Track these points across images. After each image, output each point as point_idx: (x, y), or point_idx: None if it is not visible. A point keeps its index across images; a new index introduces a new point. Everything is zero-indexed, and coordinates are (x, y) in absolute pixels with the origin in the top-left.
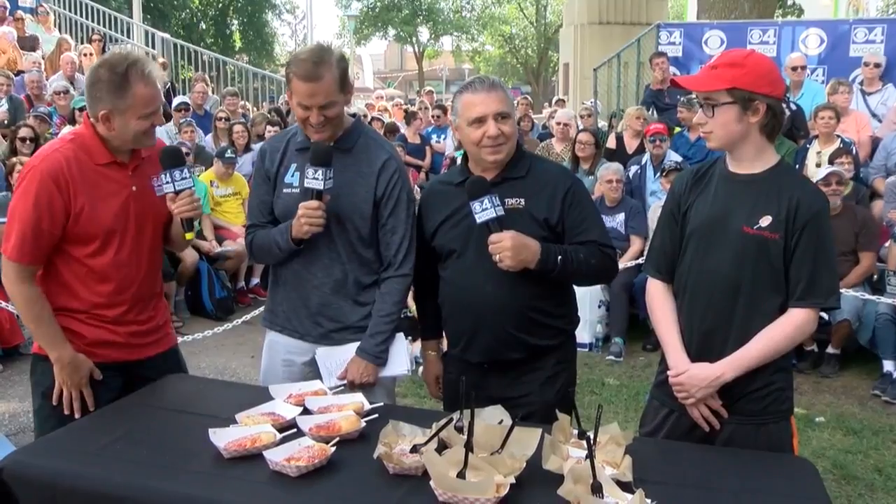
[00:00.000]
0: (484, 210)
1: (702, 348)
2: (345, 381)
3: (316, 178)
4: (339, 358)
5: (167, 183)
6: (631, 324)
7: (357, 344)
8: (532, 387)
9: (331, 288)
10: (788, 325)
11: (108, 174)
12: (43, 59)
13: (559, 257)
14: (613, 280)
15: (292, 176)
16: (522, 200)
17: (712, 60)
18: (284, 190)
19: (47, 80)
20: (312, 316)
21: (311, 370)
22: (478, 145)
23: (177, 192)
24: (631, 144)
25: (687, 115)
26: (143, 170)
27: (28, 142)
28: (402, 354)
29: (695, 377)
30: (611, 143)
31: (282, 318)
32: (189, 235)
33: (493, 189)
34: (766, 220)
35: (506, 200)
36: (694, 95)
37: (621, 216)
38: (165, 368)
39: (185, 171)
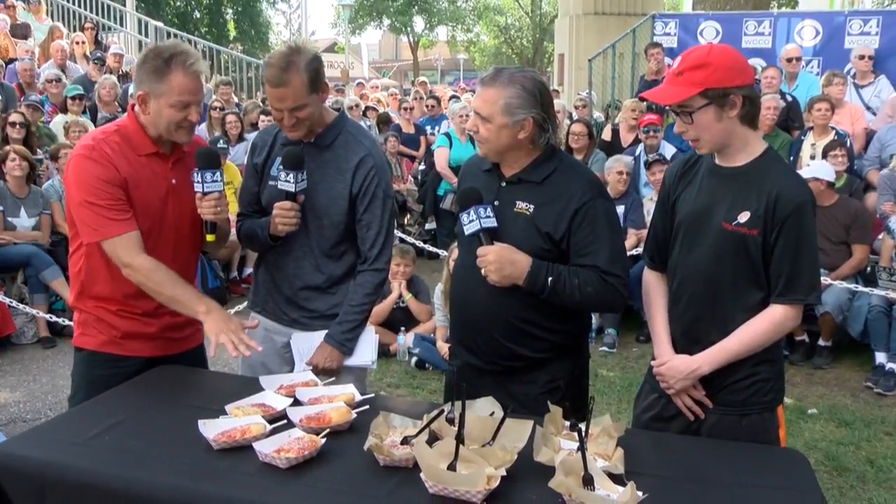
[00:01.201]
0: (471, 222)
1: (686, 339)
2: (311, 367)
3: (288, 181)
4: (311, 344)
5: (197, 182)
6: (624, 315)
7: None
8: (523, 400)
9: (301, 279)
10: (767, 321)
11: (150, 165)
12: (40, 48)
13: (550, 279)
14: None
15: (277, 169)
16: (532, 207)
17: (675, 65)
18: (270, 182)
19: (39, 68)
20: (285, 302)
21: (289, 351)
22: None
23: (204, 194)
24: (626, 138)
25: None
26: (185, 164)
27: (18, 127)
28: (369, 346)
29: (673, 368)
30: (606, 135)
31: (261, 300)
32: (210, 237)
33: (509, 188)
34: (744, 216)
35: (517, 203)
36: None
37: (621, 208)
38: (197, 365)
39: (217, 174)
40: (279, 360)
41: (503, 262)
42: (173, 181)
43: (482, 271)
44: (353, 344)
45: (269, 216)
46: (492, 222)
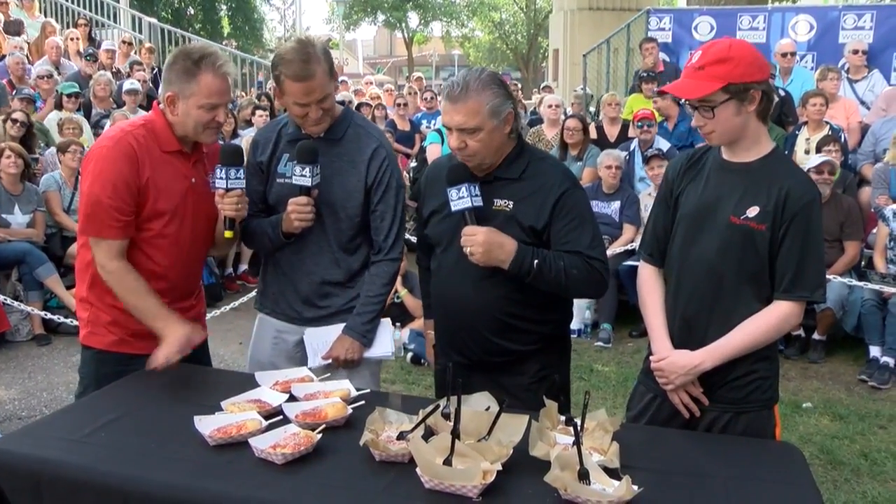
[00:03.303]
0: (461, 198)
1: (684, 334)
2: (328, 361)
3: (304, 175)
4: (325, 338)
5: (220, 179)
6: (619, 310)
7: (341, 325)
8: (514, 392)
9: (321, 274)
10: (772, 317)
11: (173, 162)
12: (27, 44)
13: (535, 262)
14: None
15: (285, 166)
16: (511, 203)
17: (695, 60)
18: (278, 180)
19: (32, 65)
20: (302, 300)
21: (300, 350)
22: (451, 149)
23: (227, 190)
24: (611, 132)
25: (662, 105)
26: (203, 164)
27: (19, 125)
28: (388, 338)
29: (674, 364)
30: (591, 133)
31: (271, 301)
32: (229, 234)
33: (484, 188)
34: (753, 211)
35: (494, 201)
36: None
37: (617, 204)
38: (202, 361)
39: (241, 171)
40: (289, 363)
41: (492, 244)
42: (193, 180)
43: (467, 250)
44: (373, 335)
45: (278, 215)
46: (479, 201)
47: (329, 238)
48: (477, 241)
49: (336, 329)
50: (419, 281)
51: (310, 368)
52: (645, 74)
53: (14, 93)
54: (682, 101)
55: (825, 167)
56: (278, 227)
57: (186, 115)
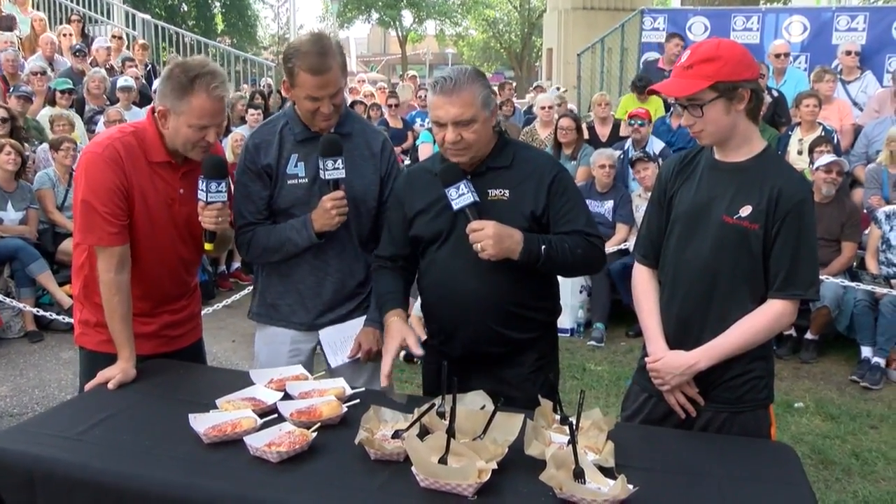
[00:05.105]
0: (461, 196)
1: (679, 335)
2: (354, 357)
3: (337, 168)
4: (342, 335)
5: (201, 191)
6: (613, 309)
7: (358, 320)
8: (514, 383)
9: (346, 272)
10: (766, 316)
11: (160, 173)
12: (19, 39)
13: (543, 247)
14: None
15: (296, 167)
16: (507, 192)
17: (684, 59)
18: (289, 182)
19: (25, 60)
20: (324, 305)
21: (317, 354)
22: (441, 146)
23: (207, 203)
24: (603, 132)
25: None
26: (196, 174)
27: (1, 122)
28: None
29: (669, 364)
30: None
31: (285, 312)
32: (209, 247)
33: (475, 179)
34: (746, 210)
35: (489, 191)
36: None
37: (610, 203)
38: (198, 360)
39: (223, 184)
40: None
41: (502, 235)
42: (181, 191)
43: (477, 247)
44: None
45: (297, 219)
46: (476, 196)
47: (352, 234)
48: (487, 234)
49: (351, 325)
50: (375, 282)
51: (331, 368)
52: (636, 83)
53: (11, 90)
54: (672, 101)
55: (834, 167)
56: (305, 228)
57: (176, 131)
